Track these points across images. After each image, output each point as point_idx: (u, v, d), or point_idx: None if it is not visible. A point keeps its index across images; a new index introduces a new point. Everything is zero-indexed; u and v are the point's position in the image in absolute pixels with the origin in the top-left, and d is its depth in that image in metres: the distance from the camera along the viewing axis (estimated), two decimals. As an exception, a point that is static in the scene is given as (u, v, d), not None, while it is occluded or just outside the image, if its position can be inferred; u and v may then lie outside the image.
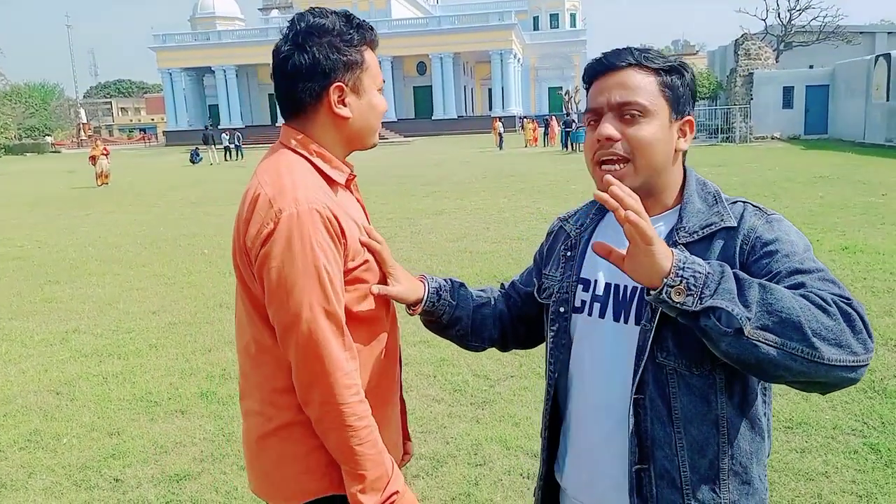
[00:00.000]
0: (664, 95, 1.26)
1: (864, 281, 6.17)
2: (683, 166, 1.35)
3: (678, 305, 1.07)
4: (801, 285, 1.11)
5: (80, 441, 3.82)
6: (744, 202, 1.29)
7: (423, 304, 1.53)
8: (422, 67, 59.74)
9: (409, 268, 1.77)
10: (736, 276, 1.09)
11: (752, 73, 29.31)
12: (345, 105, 1.44)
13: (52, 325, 6.08)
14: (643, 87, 1.25)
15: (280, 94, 1.46)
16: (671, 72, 1.27)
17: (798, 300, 1.06)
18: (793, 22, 39.56)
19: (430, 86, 57.40)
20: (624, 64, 1.26)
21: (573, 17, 71.21)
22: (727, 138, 28.28)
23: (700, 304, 1.06)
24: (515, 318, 1.61)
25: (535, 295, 1.52)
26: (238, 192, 1.52)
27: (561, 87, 60.10)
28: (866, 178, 13.86)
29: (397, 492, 1.41)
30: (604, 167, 1.26)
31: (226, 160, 34.05)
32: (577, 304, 1.38)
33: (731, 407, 1.23)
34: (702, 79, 36.82)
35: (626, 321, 1.29)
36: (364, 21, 1.49)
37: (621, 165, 1.25)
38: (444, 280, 1.60)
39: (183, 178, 24.27)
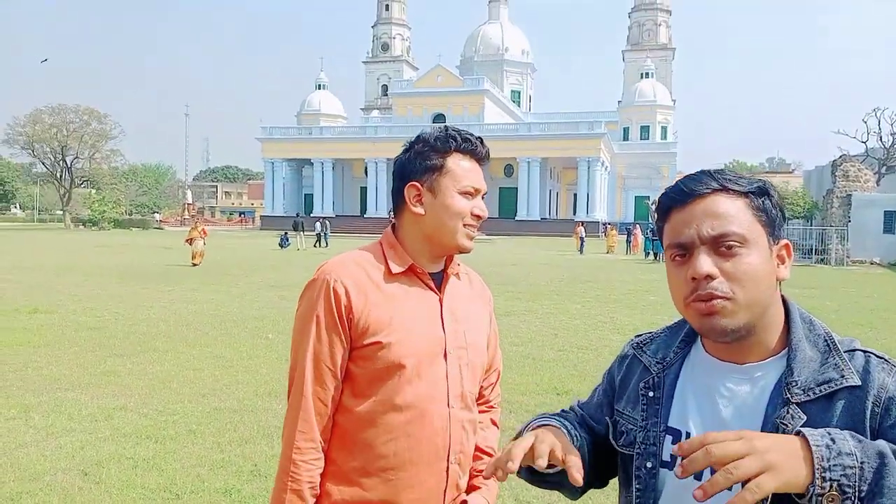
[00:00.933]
0: (759, 220, 1.09)
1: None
2: (783, 299, 1.16)
3: None
4: None
5: (92, 530, 3.66)
6: (864, 352, 1.09)
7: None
8: (509, 170, 60.97)
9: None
10: None
11: (850, 195, 28.25)
12: (421, 204, 1.61)
13: (103, 400, 6.10)
14: (735, 213, 1.08)
15: None
16: (760, 193, 1.10)
17: None
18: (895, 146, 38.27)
19: (516, 187, 58.31)
20: (708, 190, 1.09)
21: (664, 129, 71.73)
22: (822, 260, 27.00)
23: None
24: (593, 457, 1.30)
25: (612, 440, 1.29)
26: (316, 277, 1.68)
27: (648, 197, 59.84)
28: (979, 314, 12.69)
29: None
30: (695, 304, 1.08)
31: (315, 247, 35.13)
32: (666, 458, 1.17)
33: None
34: (797, 198, 35.83)
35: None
36: (460, 133, 1.63)
37: (720, 302, 1.06)
38: (559, 418, 1.31)
39: (268, 260, 25.10)
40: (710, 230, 1.07)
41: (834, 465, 0.86)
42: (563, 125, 58.97)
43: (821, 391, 1.04)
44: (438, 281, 1.66)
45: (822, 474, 0.85)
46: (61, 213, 68.29)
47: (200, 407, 5.96)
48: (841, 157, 31.57)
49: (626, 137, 71.12)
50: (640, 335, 1.36)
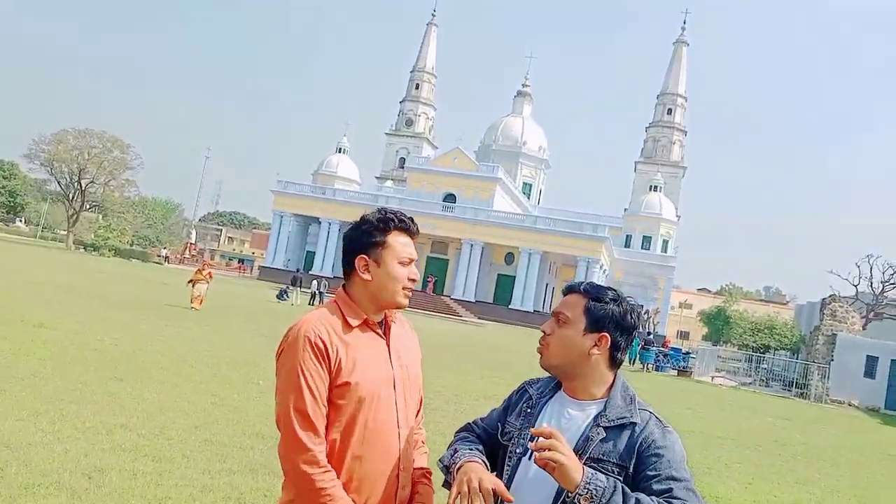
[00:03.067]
0: (584, 314, 1.89)
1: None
2: (616, 372, 1.93)
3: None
4: (669, 490, 1.68)
5: (95, 525, 4.11)
6: (650, 412, 1.86)
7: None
8: (510, 258, 61.86)
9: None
10: (623, 492, 1.65)
11: (835, 335, 28.81)
12: (368, 272, 2.05)
13: (105, 417, 6.56)
14: (572, 305, 1.92)
15: None
16: (598, 300, 1.90)
17: None
18: (885, 293, 39.20)
19: (514, 276, 59.07)
20: (575, 290, 1.97)
21: (665, 242, 73.12)
22: (802, 394, 27.34)
23: None
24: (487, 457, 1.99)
25: (498, 436, 2.00)
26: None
27: (642, 306, 60.30)
28: (939, 468, 13.04)
29: None
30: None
31: (310, 305, 35.49)
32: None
33: None
34: (785, 330, 36.50)
35: None
36: (396, 214, 2.10)
37: (543, 348, 1.94)
38: (473, 451, 1.93)
39: (264, 311, 25.53)
40: (558, 308, 1.94)
41: (591, 483, 1.62)
42: (569, 223, 60.27)
43: (617, 422, 1.80)
44: (383, 328, 2.11)
45: (586, 485, 1.61)
46: (64, 233, 68.80)
47: (193, 437, 6.42)
48: (830, 296, 32.44)
49: (627, 244, 72.47)
50: (534, 379, 2.08)
